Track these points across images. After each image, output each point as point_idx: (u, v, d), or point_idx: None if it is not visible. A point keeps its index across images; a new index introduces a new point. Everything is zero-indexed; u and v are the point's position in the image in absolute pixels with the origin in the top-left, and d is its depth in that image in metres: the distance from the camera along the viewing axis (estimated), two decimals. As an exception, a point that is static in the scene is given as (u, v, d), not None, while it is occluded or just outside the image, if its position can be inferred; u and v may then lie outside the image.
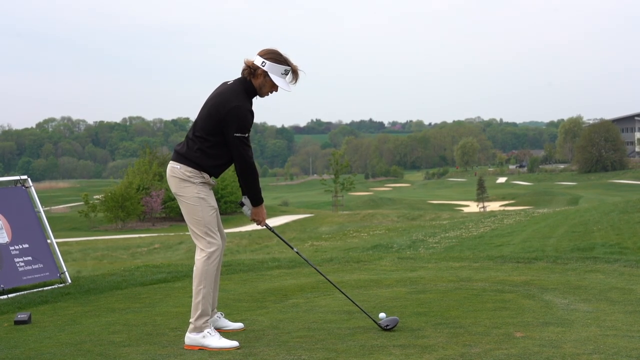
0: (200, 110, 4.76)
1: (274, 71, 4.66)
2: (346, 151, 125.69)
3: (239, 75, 4.76)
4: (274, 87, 4.74)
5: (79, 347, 4.77)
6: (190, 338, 4.62)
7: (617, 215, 19.70)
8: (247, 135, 4.62)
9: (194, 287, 4.67)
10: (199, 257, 4.68)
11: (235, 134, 4.58)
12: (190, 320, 4.66)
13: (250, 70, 4.68)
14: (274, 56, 4.67)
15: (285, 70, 4.69)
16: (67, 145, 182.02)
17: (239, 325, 5.13)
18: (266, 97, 4.79)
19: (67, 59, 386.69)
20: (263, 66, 4.65)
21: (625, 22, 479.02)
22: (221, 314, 5.12)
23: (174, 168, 4.75)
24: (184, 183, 4.70)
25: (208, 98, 4.77)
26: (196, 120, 4.78)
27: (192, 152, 4.70)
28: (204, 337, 4.59)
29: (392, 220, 41.49)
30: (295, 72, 4.74)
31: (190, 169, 4.70)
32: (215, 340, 4.57)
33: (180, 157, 4.74)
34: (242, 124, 4.59)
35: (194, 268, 4.71)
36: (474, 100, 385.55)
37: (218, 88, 4.79)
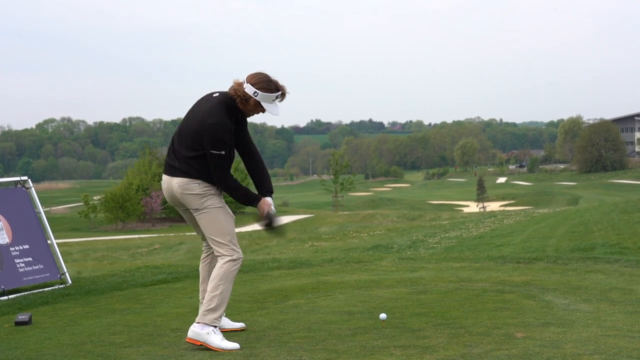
0: (185, 121, 4.76)
1: (266, 100, 4.71)
2: (346, 151, 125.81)
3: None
4: (262, 111, 4.79)
5: (80, 348, 4.77)
6: (195, 332, 4.61)
7: (617, 215, 19.70)
8: (223, 152, 4.62)
9: (212, 285, 4.67)
10: (225, 260, 4.72)
11: (211, 151, 4.62)
12: (201, 310, 4.65)
13: (242, 99, 4.70)
14: (265, 85, 4.68)
15: (275, 96, 4.74)
16: (67, 146, 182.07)
17: (240, 324, 5.14)
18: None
19: (67, 59, 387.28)
20: (255, 96, 4.68)
21: (625, 22, 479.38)
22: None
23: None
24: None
25: (191, 111, 4.78)
26: (182, 134, 4.74)
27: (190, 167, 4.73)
28: (208, 333, 4.59)
29: (392, 221, 41.48)
30: (283, 94, 4.78)
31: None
32: (217, 340, 4.57)
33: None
34: (217, 141, 4.60)
35: (217, 269, 4.71)
36: (473, 100, 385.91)
37: (201, 102, 4.77)
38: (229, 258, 4.74)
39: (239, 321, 5.27)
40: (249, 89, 4.67)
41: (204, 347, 4.59)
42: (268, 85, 4.69)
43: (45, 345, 4.90)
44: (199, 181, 4.71)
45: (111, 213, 51.17)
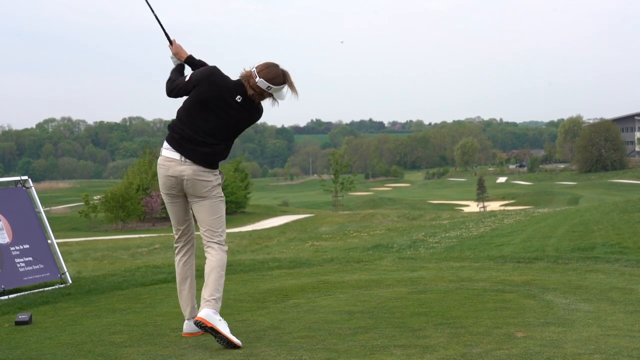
0: (218, 112, 4.79)
1: (276, 91, 4.82)
2: (346, 151, 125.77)
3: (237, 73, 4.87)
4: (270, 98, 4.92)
5: (80, 347, 4.77)
6: (208, 314, 4.58)
7: (618, 215, 19.69)
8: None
9: (215, 274, 4.73)
10: (224, 250, 4.87)
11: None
12: (209, 297, 4.65)
13: (259, 95, 4.81)
14: (277, 80, 4.78)
15: (285, 89, 4.86)
16: (67, 146, 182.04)
17: None
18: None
19: (67, 59, 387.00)
20: (269, 90, 4.79)
21: (625, 22, 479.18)
22: None
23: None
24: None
25: (233, 112, 4.79)
26: (225, 131, 4.83)
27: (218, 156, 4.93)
28: (220, 320, 4.60)
29: (392, 220, 41.50)
30: (292, 86, 4.88)
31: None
32: (227, 330, 4.58)
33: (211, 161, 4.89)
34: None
35: (214, 262, 4.79)
36: (474, 100, 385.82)
37: (242, 108, 4.82)
38: (226, 248, 4.91)
39: (239, 321, 5.27)
40: (262, 84, 4.75)
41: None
42: (279, 79, 4.79)
43: (45, 345, 4.90)
44: (215, 170, 4.89)
45: (111, 213, 51.15)
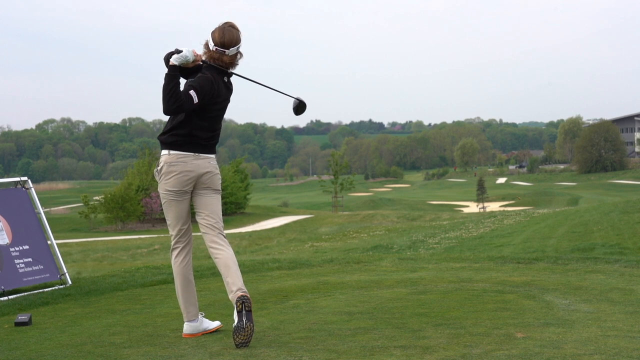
0: (220, 105, 4.91)
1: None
2: (346, 152, 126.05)
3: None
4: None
5: (80, 348, 4.77)
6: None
7: (617, 215, 19.71)
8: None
9: (237, 266, 4.79)
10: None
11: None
12: (243, 287, 4.68)
13: (234, 62, 4.90)
14: (239, 38, 4.85)
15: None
16: (67, 147, 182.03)
17: (217, 323, 5.13)
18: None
19: (67, 60, 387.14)
20: (238, 50, 4.86)
21: (625, 22, 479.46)
22: (202, 314, 5.12)
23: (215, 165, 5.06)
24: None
25: (224, 93, 4.91)
26: (219, 117, 4.99)
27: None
28: None
29: (392, 221, 41.53)
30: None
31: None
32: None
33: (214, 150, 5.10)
34: None
35: (231, 252, 4.86)
36: (473, 100, 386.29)
37: (224, 85, 4.91)
38: None
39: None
40: (234, 51, 4.83)
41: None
42: (238, 35, 4.84)
43: (45, 346, 4.90)
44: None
45: (111, 213, 51.13)
